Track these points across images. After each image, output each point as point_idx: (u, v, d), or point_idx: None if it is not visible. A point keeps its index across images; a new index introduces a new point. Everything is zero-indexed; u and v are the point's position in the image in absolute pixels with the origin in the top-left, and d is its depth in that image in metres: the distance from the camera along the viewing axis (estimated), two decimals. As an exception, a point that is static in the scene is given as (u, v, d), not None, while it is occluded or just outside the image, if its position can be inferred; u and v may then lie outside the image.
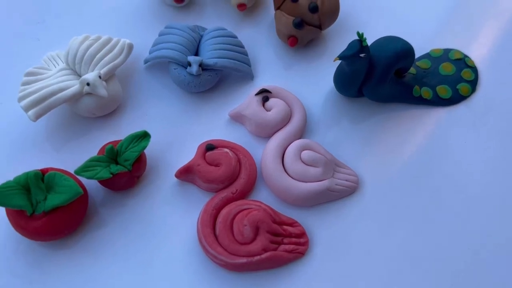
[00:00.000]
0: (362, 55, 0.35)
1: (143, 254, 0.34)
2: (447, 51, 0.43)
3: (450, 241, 0.35)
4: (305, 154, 0.36)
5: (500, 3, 0.45)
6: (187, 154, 0.37)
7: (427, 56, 0.43)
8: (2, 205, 0.31)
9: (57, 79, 0.36)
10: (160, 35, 0.40)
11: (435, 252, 0.35)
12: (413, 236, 0.35)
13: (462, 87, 0.41)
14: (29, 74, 0.37)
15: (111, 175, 0.33)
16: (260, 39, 0.43)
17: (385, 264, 0.34)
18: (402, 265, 0.34)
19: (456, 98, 0.41)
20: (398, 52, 0.36)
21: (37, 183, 0.32)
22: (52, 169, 0.33)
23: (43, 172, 0.33)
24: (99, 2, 0.44)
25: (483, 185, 0.37)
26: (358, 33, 0.34)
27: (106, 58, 0.37)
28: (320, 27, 0.41)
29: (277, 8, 0.41)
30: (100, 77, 0.36)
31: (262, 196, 0.36)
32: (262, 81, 0.41)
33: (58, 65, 0.39)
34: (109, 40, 0.39)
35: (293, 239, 0.34)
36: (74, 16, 0.43)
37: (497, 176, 0.38)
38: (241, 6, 0.42)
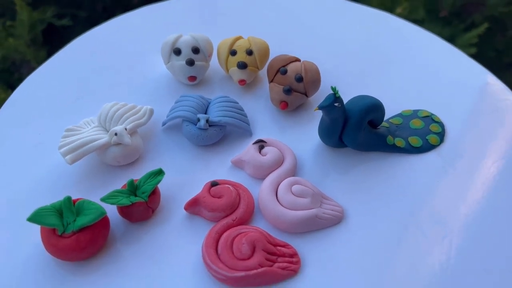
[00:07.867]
0: (336, 104, 0.42)
1: (156, 272, 0.39)
2: (416, 111, 0.51)
3: (420, 262, 0.40)
4: (295, 187, 0.42)
5: (457, 72, 0.55)
6: (195, 194, 0.43)
7: (399, 115, 0.50)
8: (39, 223, 0.37)
9: (90, 132, 0.45)
10: (176, 102, 0.49)
11: (410, 273, 0.39)
12: (392, 260, 0.40)
13: (431, 138, 0.48)
14: (68, 130, 0.45)
15: (130, 203, 0.39)
16: (258, 106, 0.51)
17: (368, 282, 0.38)
18: (384, 283, 0.38)
19: (427, 147, 0.48)
20: (368, 105, 0.44)
21: (69, 206, 0.38)
22: (82, 199, 0.40)
23: (74, 201, 0.39)
24: (126, 82, 0.53)
25: (452, 220, 0.42)
26: (332, 87, 0.43)
27: (132, 118, 0.46)
28: (306, 94, 0.50)
29: (271, 81, 0.51)
30: (126, 129, 0.44)
31: (259, 225, 0.41)
32: (259, 137, 0.48)
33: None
34: (134, 106, 0.47)
35: (287, 258, 0.39)
36: (106, 93, 0.52)
37: (463, 213, 0.43)
38: (241, 82, 0.52)
